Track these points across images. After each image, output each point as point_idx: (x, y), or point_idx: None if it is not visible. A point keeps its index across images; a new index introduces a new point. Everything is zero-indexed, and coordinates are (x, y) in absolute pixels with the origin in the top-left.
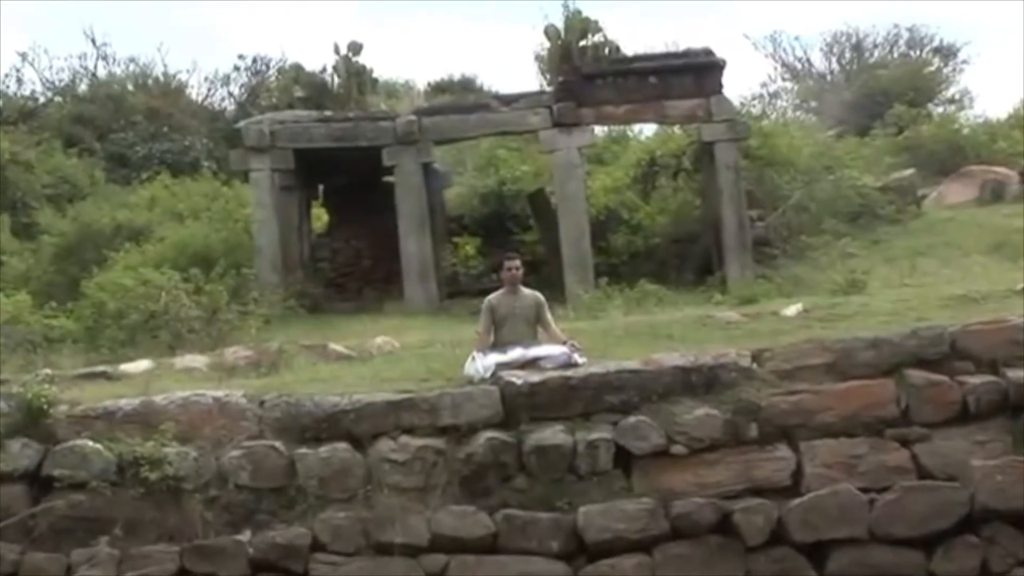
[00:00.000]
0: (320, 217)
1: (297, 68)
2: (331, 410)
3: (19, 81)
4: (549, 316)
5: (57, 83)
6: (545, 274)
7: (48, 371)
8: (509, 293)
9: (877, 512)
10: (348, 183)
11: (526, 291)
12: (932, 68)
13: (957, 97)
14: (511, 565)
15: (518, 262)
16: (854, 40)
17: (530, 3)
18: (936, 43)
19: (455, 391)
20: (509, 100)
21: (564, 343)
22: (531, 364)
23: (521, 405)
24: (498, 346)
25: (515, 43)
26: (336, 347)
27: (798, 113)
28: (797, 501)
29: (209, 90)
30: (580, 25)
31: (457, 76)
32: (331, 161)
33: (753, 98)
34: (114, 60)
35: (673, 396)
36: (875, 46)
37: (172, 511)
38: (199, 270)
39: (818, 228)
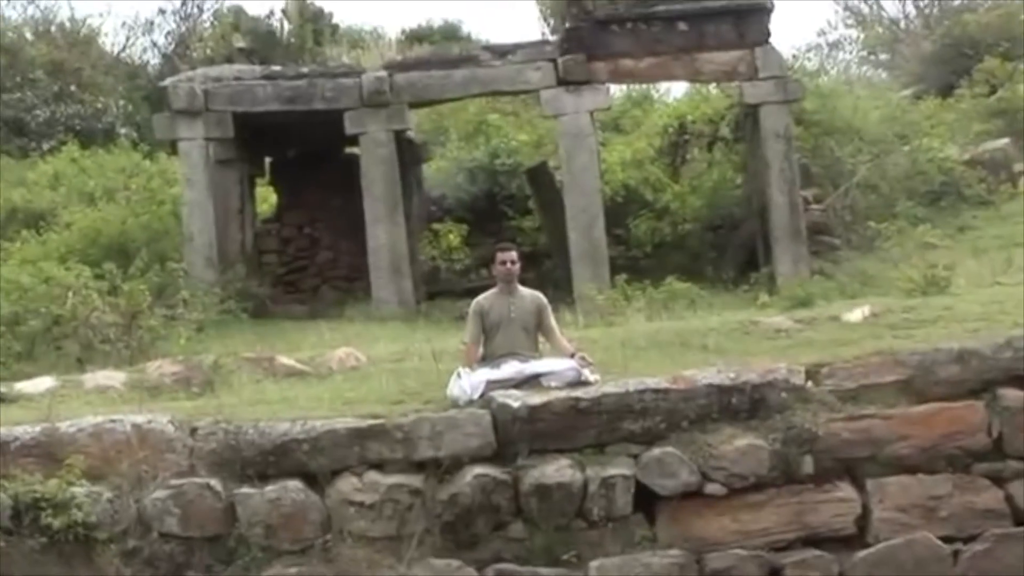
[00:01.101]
0: (267, 198)
1: (237, 12)
2: (280, 440)
3: None
4: (553, 322)
5: None
6: (548, 269)
7: None
8: (503, 293)
9: (963, 566)
10: (301, 156)
11: (524, 291)
12: None
13: None
14: None
15: (514, 254)
16: None
17: None
18: None
19: (435, 416)
20: (503, 52)
21: (571, 356)
22: (530, 382)
23: (518, 434)
24: (489, 360)
25: None
26: (286, 361)
27: (865, 68)
28: (863, 553)
29: (127, 39)
30: None
31: (438, 22)
32: (280, 128)
33: (809, 49)
34: (7, 2)
35: (708, 422)
36: None
37: (81, 565)
38: (115, 265)
39: (890, 212)
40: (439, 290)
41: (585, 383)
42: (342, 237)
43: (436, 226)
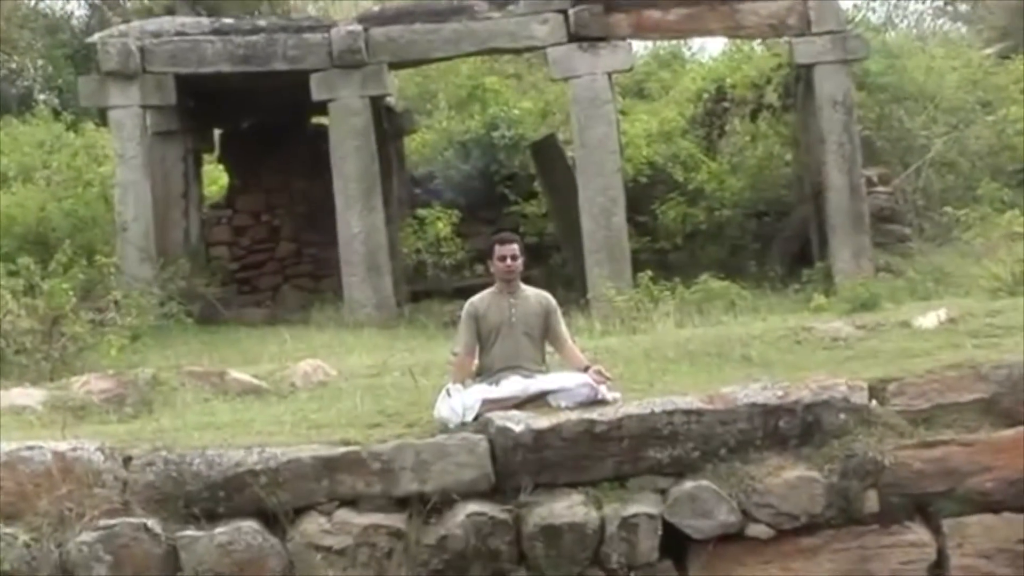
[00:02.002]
0: (217, 179)
1: None
2: (232, 471)
3: None
4: (564, 329)
5: None
6: (557, 265)
7: None
8: (503, 294)
9: None
10: (258, 128)
11: (528, 291)
12: None
13: None
14: None
15: (516, 247)
16: None
17: None
18: None
19: (420, 443)
20: (502, 1)
21: (585, 369)
22: (536, 401)
23: (521, 463)
24: (486, 374)
25: None
26: (240, 375)
27: (941, 22)
28: None
29: None
30: None
31: None
32: (232, 94)
33: None
34: None
35: (751, 450)
36: None
37: None
38: (32, 259)
39: (970, 195)
40: (425, 290)
41: (602, 402)
42: (307, 226)
43: (421, 212)
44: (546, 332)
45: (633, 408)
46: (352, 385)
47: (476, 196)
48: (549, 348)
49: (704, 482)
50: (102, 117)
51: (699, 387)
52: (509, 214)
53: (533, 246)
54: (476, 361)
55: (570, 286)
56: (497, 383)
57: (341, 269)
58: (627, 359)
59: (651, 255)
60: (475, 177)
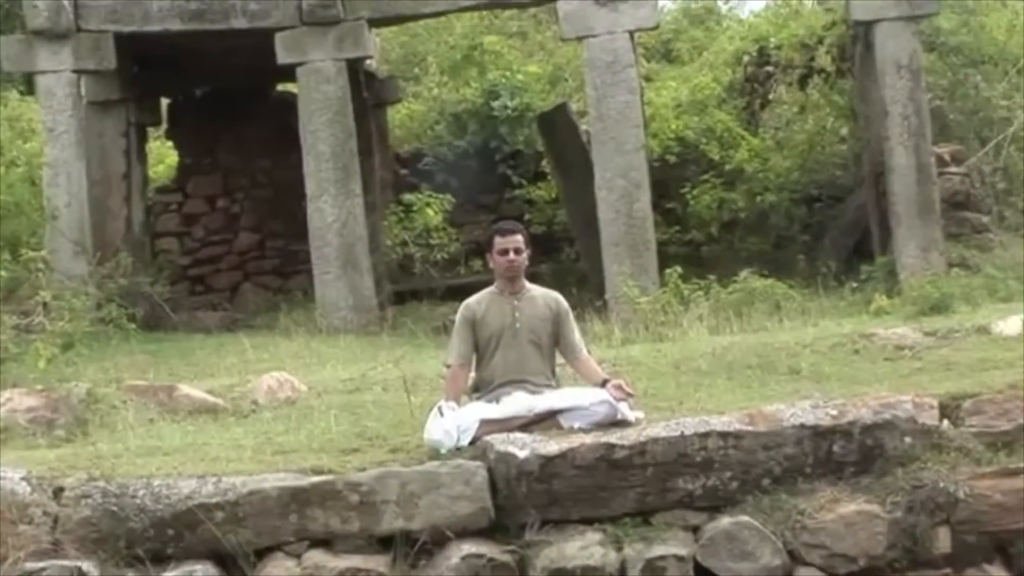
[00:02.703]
0: (164, 158)
1: None
2: (183, 505)
3: None
4: (577, 336)
5: None
6: (569, 260)
7: None
8: (504, 294)
9: None
10: (214, 97)
11: (535, 291)
12: None
13: None
14: None
15: (520, 238)
16: None
17: None
18: None
19: (407, 471)
20: None
21: (603, 384)
22: (544, 422)
23: (526, 496)
24: (485, 390)
25: None
26: (192, 391)
27: None
28: None
29: None
30: None
31: None
32: (183, 57)
33: None
34: None
35: (800, 479)
36: None
37: None
38: None
39: None
40: (412, 290)
41: (622, 423)
42: (272, 214)
43: (408, 198)
44: (556, 340)
45: (659, 430)
46: (325, 403)
47: (473, 178)
48: (559, 359)
49: (744, 518)
50: (28, 84)
51: (738, 405)
52: (512, 200)
53: (541, 237)
54: (473, 374)
55: (585, 285)
56: (498, 400)
57: (312, 265)
58: (653, 372)
59: (681, 248)
60: (472, 156)
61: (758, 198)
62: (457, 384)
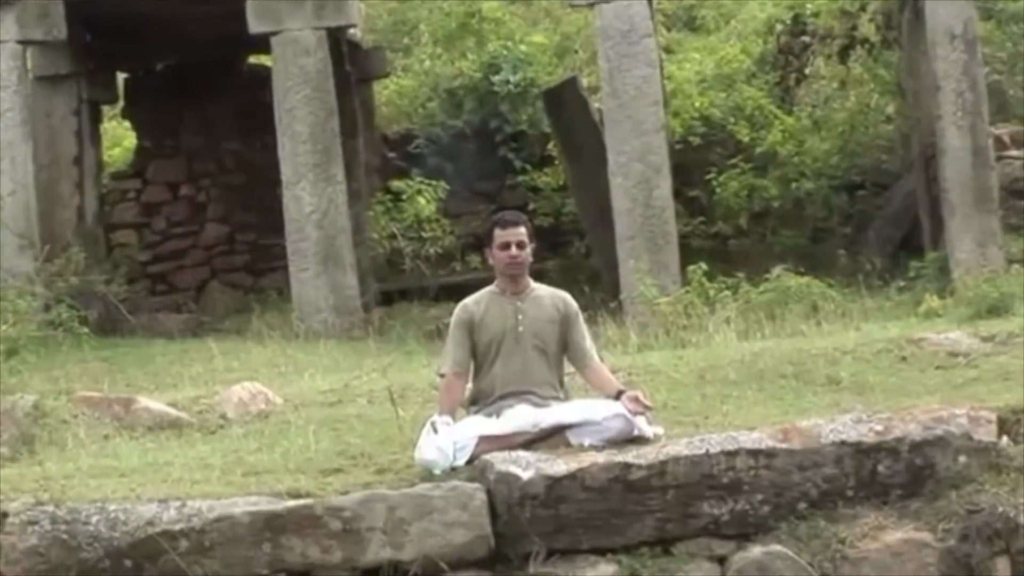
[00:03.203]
0: (120, 140)
1: None
2: (143, 533)
3: None
4: (588, 342)
5: None
6: (579, 255)
7: None
8: (506, 295)
9: None
10: (177, 71)
11: (541, 290)
12: None
13: None
14: None
15: (524, 231)
16: None
17: None
18: None
19: (395, 494)
20: None
21: (617, 396)
22: (550, 439)
23: (530, 522)
24: (483, 402)
25: None
26: (152, 404)
27: None
28: None
29: None
30: None
31: None
32: (142, 26)
33: None
34: None
35: (840, 503)
36: None
37: None
38: None
39: None
40: (402, 289)
41: (639, 440)
42: (243, 203)
43: (397, 185)
44: (564, 346)
45: (681, 448)
46: (303, 417)
47: (470, 163)
48: (568, 367)
49: (777, 547)
50: None
51: (770, 420)
52: (514, 187)
53: (547, 230)
54: (470, 385)
55: (597, 284)
56: (498, 414)
57: (288, 260)
58: (674, 382)
59: (706, 242)
60: (469, 137)
61: (793, 185)
62: (452, 396)
